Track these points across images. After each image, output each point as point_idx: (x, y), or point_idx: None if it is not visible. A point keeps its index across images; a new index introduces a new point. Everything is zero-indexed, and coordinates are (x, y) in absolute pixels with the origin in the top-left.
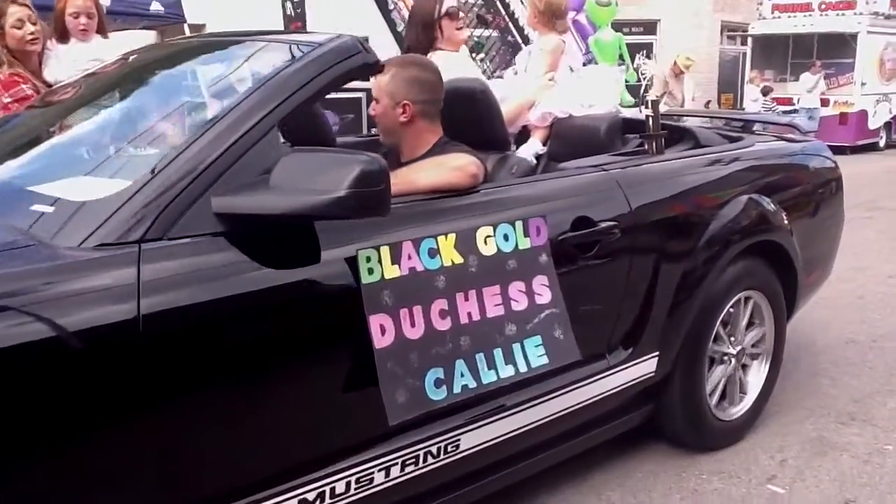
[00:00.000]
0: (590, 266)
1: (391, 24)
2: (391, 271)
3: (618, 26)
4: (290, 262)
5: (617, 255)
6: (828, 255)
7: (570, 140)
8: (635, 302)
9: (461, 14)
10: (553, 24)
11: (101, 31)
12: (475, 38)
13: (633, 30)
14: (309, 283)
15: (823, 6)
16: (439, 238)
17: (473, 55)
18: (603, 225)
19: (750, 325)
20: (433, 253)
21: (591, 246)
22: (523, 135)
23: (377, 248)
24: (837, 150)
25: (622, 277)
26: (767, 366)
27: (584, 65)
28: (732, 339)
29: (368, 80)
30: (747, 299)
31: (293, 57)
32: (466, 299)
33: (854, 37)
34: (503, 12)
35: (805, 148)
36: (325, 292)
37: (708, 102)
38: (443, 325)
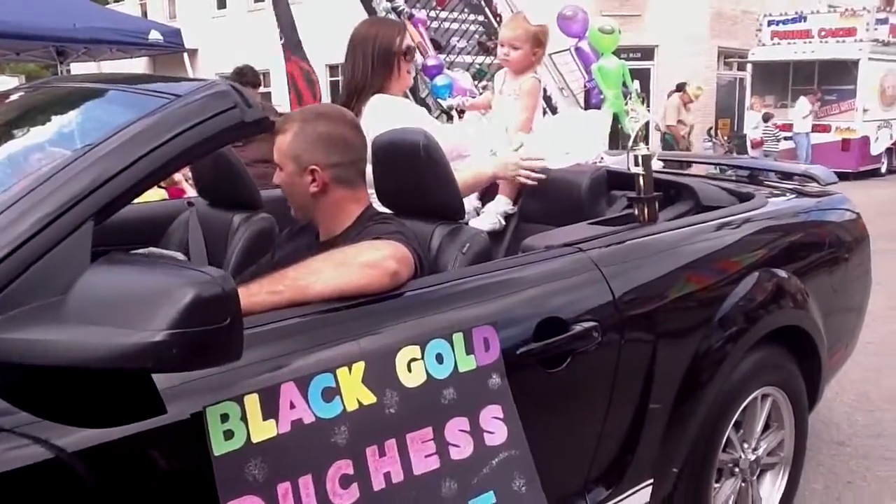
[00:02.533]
0: (561, 384)
1: None
2: (262, 430)
3: (616, 52)
4: (94, 423)
5: (598, 364)
6: (855, 325)
7: (545, 197)
8: (622, 422)
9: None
10: (533, 59)
11: None
12: (477, 66)
13: (631, 56)
14: (129, 460)
15: (823, 33)
16: (339, 371)
17: (476, 83)
18: (578, 327)
19: (766, 427)
20: (330, 394)
21: (562, 357)
22: (491, 189)
23: (239, 400)
24: (839, 176)
25: (604, 393)
26: (786, 478)
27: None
28: (745, 444)
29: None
30: (764, 397)
31: (142, 112)
32: (382, 454)
33: (855, 63)
34: None
35: (824, 202)
36: (155, 475)
37: (710, 129)
38: (347, 497)
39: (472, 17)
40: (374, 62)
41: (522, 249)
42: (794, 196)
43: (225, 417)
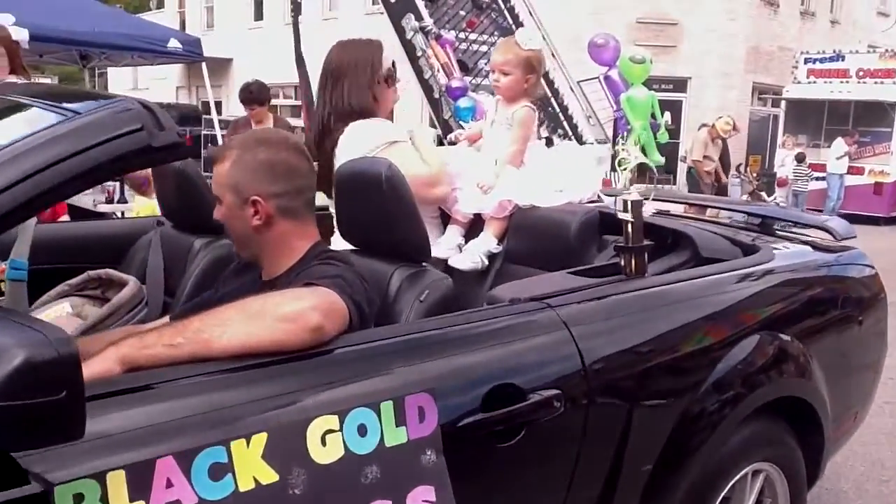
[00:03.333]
0: (514, 460)
1: (418, 72)
2: None
3: (647, 83)
4: None
5: (559, 439)
6: (870, 387)
7: (533, 237)
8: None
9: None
10: (526, 86)
11: (16, 71)
12: None
13: (663, 87)
14: None
15: (861, 73)
16: (234, 444)
17: None
18: (536, 397)
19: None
20: (219, 471)
21: (515, 430)
22: (477, 225)
23: (99, 477)
24: (871, 221)
25: (565, 472)
26: None
27: (614, 120)
28: None
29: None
30: (756, 473)
31: (33, 129)
32: None
33: (893, 106)
34: None
35: (839, 258)
36: None
37: (739, 166)
38: None
39: (501, 39)
40: (353, 89)
41: (488, 301)
42: (806, 249)
43: (79, 498)
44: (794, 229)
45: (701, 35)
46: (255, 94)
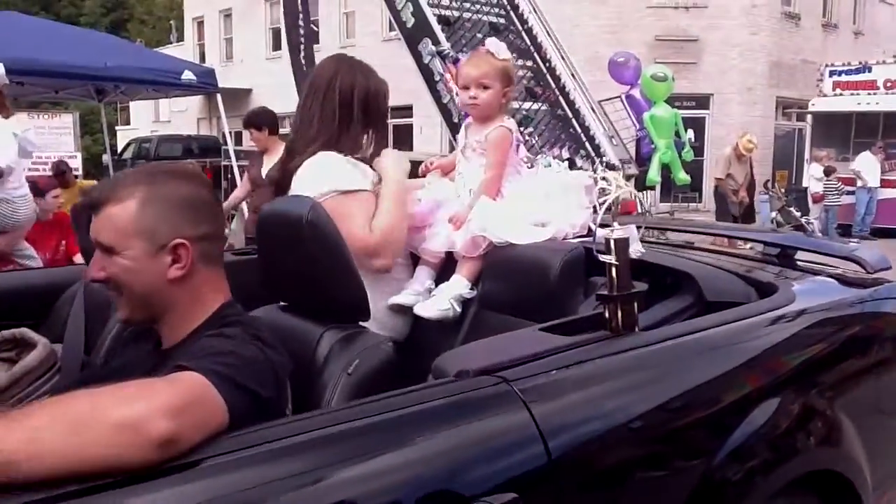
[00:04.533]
0: None
1: (436, 97)
2: None
3: (668, 101)
4: None
5: None
6: None
7: (509, 279)
8: None
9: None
10: (503, 101)
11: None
12: (523, 112)
13: (685, 104)
14: None
15: (889, 84)
16: None
17: (522, 129)
18: None
19: None
20: None
21: None
22: (451, 266)
23: None
24: None
25: None
26: None
27: (637, 139)
28: None
29: None
30: None
31: None
32: None
33: None
34: (553, 85)
35: (872, 293)
36: None
37: (766, 182)
38: None
39: (520, 62)
40: (328, 110)
41: (434, 374)
42: (833, 284)
43: None
44: (819, 259)
45: (722, 50)
46: (251, 118)
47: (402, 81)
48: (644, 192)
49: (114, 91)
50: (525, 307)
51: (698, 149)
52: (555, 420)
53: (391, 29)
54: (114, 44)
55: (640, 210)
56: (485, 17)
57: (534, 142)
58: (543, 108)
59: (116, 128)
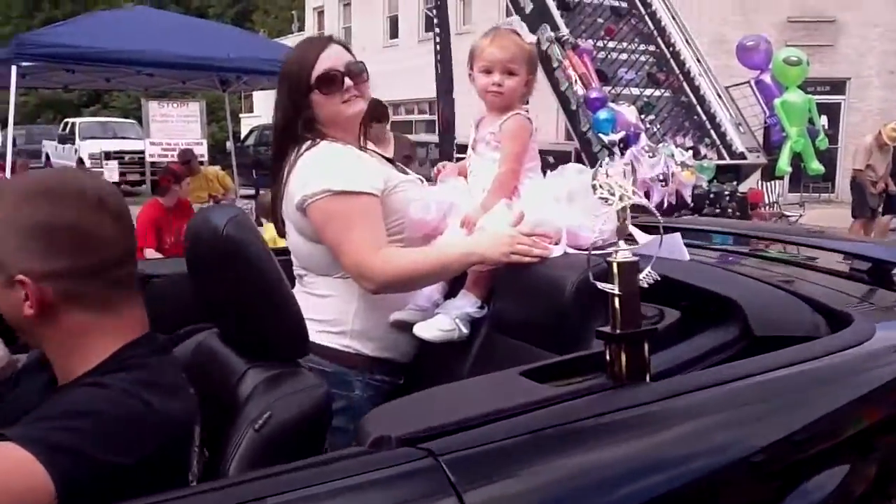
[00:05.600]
0: None
1: (554, 84)
2: None
3: (802, 86)
4: None
5: None
6: None
7: (522, 298)
8: None
9: (355, 74)
10: (525, 91)
11: None
12: (645, 98)
13: (819, 89)
14: None
15: None
16: None
17: (643, 117)
18: None
19: None
20: None
21: None
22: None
23: None
24: None
25: None
26: None
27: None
28: None
29: None
30: None
31: None
32: None
33: None
34: (677, 70)
35: None
36: None
37: None
38: None
39: (642, 47)
40: (289, 98)
41: (357, 439)
42: None
43: None
44: None
45: (860, 31)
46: (371, 112)
47: None
48: (773, 181)
49: (236, 81)
50: (536, 332)
51: (832, 136)
52: None
53: (507, 14)
54: (237, 35)
55: (766, 201)
56: (606, 1)
57: (655, 130)
58: (666, 94)
59: (240, 115)
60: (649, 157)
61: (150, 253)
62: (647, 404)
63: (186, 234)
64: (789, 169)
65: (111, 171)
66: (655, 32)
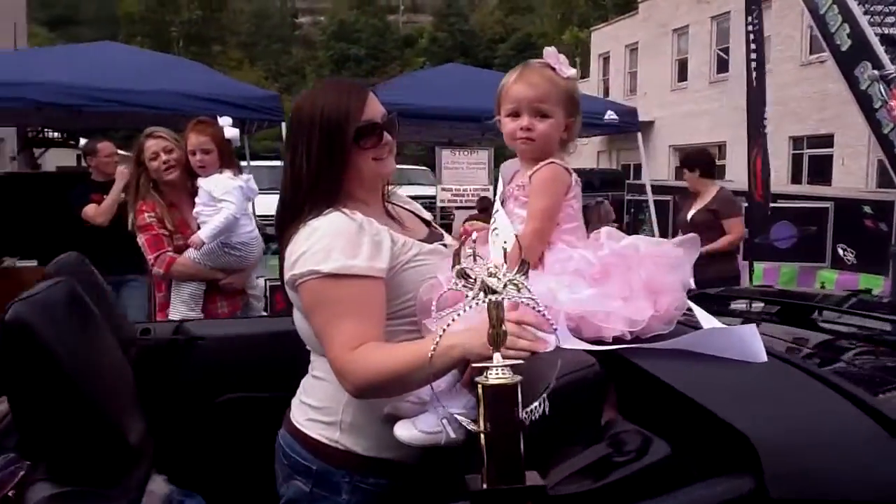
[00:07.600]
0: None
1: (875, 126)
2: None
3: None
4: None
5: None
6: None
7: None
8: None
9: (392, 128)
10: (565, 137)
11: (227, 165)
12: None
13: None
14: None
15: None
16: None
17: None
18: None
19: None
20: None
21: None
22: None
23: None
24: None
25: None
26: None
27: None
28: None
29: None
30: None
31: None
32: None
33: None
34: None
35: None
36: None
37: None
38: None
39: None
40: (317, 152)
41: None
42: None
43: None
44: None
45: None
46: (685, 158)
47: (821, 109)
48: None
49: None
50: (531, 441)
51: None
52: None
53: (811, 52)
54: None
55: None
56: None
57: None
58: None
59: None
60: None
61: None
62: None
63: None
64: None
65: None
66: None
